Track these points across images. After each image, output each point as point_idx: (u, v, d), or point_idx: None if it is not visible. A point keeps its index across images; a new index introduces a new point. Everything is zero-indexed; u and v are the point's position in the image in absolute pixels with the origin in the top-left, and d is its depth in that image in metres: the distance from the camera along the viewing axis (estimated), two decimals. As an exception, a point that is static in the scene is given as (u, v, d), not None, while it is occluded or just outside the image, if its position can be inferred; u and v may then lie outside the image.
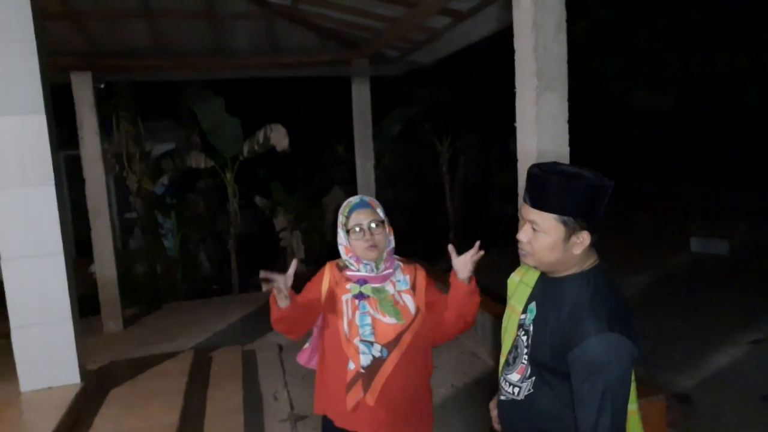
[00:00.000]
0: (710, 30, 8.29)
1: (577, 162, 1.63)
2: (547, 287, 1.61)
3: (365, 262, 1.98)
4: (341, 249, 2.03)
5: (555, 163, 1.52)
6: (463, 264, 1.92)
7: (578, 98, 3.27)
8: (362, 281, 1.99)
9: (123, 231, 9.09)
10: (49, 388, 3.67)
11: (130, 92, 7.92)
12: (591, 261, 1.55)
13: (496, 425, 1.82)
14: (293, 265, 1.91)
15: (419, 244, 8.61)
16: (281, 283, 1.82)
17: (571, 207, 1.46)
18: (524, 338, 1.61)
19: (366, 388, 1.91)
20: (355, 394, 1.92)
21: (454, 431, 3.62)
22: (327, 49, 6.40)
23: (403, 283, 2.02)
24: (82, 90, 5.73)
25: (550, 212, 1.48)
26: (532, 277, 1.68)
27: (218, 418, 3.76)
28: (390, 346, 1.93)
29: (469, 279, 1.94)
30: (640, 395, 1.64)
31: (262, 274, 1.82)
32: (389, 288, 2.00)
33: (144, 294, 7.44)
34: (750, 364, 4.56)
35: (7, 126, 3.54)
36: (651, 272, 7.31)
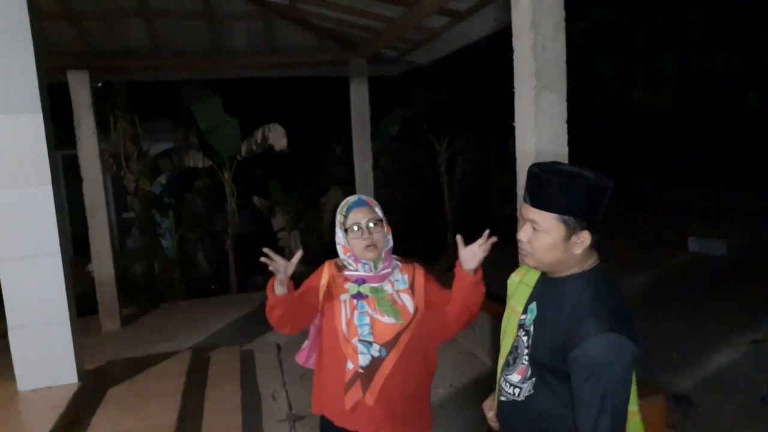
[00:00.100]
0: (709, 30, 8.30)
1: (576, 162, 1.63)
2: (547, 287, 1.60)
3: (364, 261, 1.98)
4: (339, 248, 2.03)
5: (555, 163, 1.52)
6: (471, 255, 1.93)
7: (577, 98, 3.27)
8: (360, 281, 1.99)
9: (121, 230, 9.07)
10: (47, 387, 3.67)
11: (127, 92, 7.91)
12: (591, 261, 1.54)
13: (493, 424, 1.82)
14: (298, 254, 1.91)
15: (418, 244, 8.62)
16: (281, 265, 1.82)
17: (572, 206, 1.46)
18: (525, 339, 1.60)
19: (365, 388, 1.91)
20: (354, 394, 1.91)
21: (452, 430, 3.62)
22: (325, 49, 6.39)
23: (401, 283, 2.02)
24: (80, 89, 5.72)
25: (551, 212, 1.47)
26: (533, 277, 1.67)
27: (216, 418, 3.75)
28: (389, 345, 1.92)
29: (475, 270, 1.95)
30: (640, 396, 1.64)
31: (265, 250, 1.82)
32: (388, 288, 1.99)
33: (142, 293, 7.43)
34: (749, 365, 4.56)
35: (4, 125, 3.54)
36: (650, 272, 7.32)
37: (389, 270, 2.02)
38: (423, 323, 1.99)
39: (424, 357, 2.04)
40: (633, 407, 1.56)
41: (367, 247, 1.94)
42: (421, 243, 8.78)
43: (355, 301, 1.96)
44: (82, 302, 4.90)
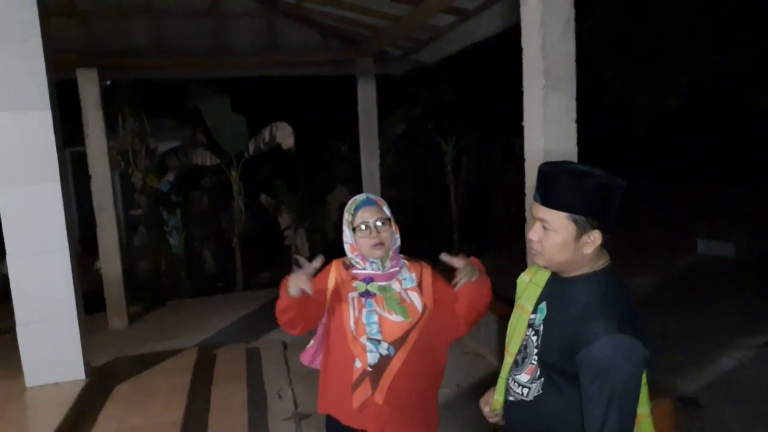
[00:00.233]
0: (715, 30, 8.25)
1: (584, 162, 1.62)
2: (557, 287, 1.59)
3: (371, 260, 1.97)
4: (347, 247, 2.02)
5: (567, 162, 1.51)
6: (461, 278, 1.92)
7: (585, 98, 3.26)
8: (368, 279, 1.98)
9: (128, 228, 9.11)
10: (54, 383, 3.68)
11: (135, 89, 7.94)
12: (602, 261, 1.53)
13: (490, 419, 1.81)
14: (319, 259, 1.91)
15: (423, 243, 8.60)
16: (309, 268, 1.84)
17: (583, 205, 1.45)
18: (534, 338, 1.60)
19: (374, 387, 1.90)
20: (362, 393, 1.91)
21: (458, 430, 3.61)
22: (330, 47, 6.40)
23: (409, 281, 2.01)
24: (88, 87, 5.75)
25: (561, 210, 1.46)
26: (543, 277, 1.66)
27: (222, 416, 3.76)
28: (397, 344, 1.92)
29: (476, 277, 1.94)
30: (647, 398, 1.63)
31: (296, 257, 1.87)
32: (395, 286, 1.99)
33: (148, 291, 7.45)
34: (756, 368, 4.52)
35: (12, 122, 3.55)
36: (656, 274, 7.28)
37: (397, 268, 2.02)
38: (431, 322, 1.99)
39: (432, 356, 2.03)
40: (644, 409, 1.55)
41: (374, 245, 1.94)
42: (425, 242, 8.76)
43: (363, 299, 1.95)
44: (90, 299, 4.93)
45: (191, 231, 8.38)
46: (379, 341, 1.91)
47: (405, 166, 10.08)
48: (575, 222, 1.46)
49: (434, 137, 9.55)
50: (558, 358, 1.50)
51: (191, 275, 8.05)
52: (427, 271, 2.07)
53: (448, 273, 2.03)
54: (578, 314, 1.47)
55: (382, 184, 6.77)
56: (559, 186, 1.46)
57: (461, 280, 1.92)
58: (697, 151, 13.12)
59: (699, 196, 11.87)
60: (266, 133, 7.86)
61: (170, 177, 8.26)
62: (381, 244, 1.94)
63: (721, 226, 8.65)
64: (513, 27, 4.17)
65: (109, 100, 7.08)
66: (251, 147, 7.83)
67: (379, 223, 1.95)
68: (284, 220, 8.63)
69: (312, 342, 2.17)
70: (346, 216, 2.01)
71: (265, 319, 5.91)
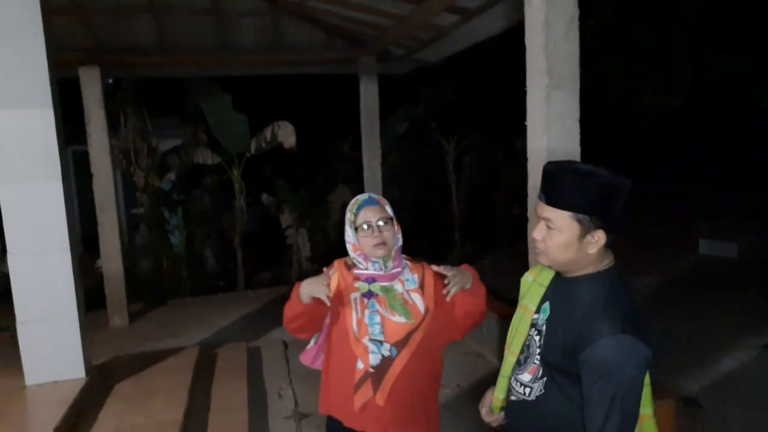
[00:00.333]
0: (718, 31, 8.23)
1: (586, 162, 1.61)
2: (561, 287, 1.58)
3: (373, 260, 1.96)
4: (349, 247, 2.01)
5: (571, 161, 1.51)
6: (451, 286, 1.90)
7: (587, 98, 3.24)
8: (371, 279, 1.97)
9: (130, 226, 9.11)
10: (54, 382, 3.68)
11: (137, 88, 7.93)
12: (606, 261, 1.53)
13: (487, 419, 1.80)
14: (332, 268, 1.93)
15: (424, 243, 8.59)
16: (325, 278, 1.88)
17: (587, 205, 1.44)
18: (537, 338, 1.59)
19: (375, 388, 1.89)
20: (364, 394, 1.89)
21: (459, 430, 3.60)
22: (333, 46, 6.39)
23: (411, 282, 2.00)
24: (91, 85, 5.75)
25: (565, 210, 1.46)
26: (547, 276, 1.65)
27: (222, 415, 3.75)
28: (399, 345, 1.91)
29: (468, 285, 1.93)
30: (649, 399, 1.61)
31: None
32: (398, 287, 1.98)
33: (149, 290, 7.45)
34: (759, 369, 4.51)
35: (14, 120, 3.55)
36: (659, 274, 7.26)
37: (399, 269, 2.01)
38: (433, 323, 1.97)
39: (433, 357, 2.02)
40: (647, 410, 1.54)
41: (377, 245, 1.92)
42: (427, 242, 8.75)
43: (365, 300, 1.94)
44: (91, 297, 4.93)
45: (193, 230, 8.38)
46: (381, 342, 1.89)
47: (407, 166, 10.07)
48: (579, 221, 1.45)
49: (436, 136, 9.54)
50: (561, 358, 1.49)
51: (192, 274, 8.05)
52: (429, 273, 2.05)
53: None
54: (582, 314, 1.47)
55: (384, 183, 6.77)
56: (563, 185, 1.46)
57: (452, 288, 1.89)
58: (701, 151, 13.08)
59: (702, 196, 11.84)
60: (268, 132, 7.86)
61: (172, 176, 8.26)
62: (383, 243, 1.93)
63: (724, 226, 8.64)
64: (516, 26, 4.17)
65: (111, 99, 7.08)
66: (253, 146, 7.82)
67: (381, 223, 1.94)
68: (285, 219, 8.62)
69: (312, 343, 2.15)
70: (348, 215, 2.00)
71: (266, 318, 5.92)
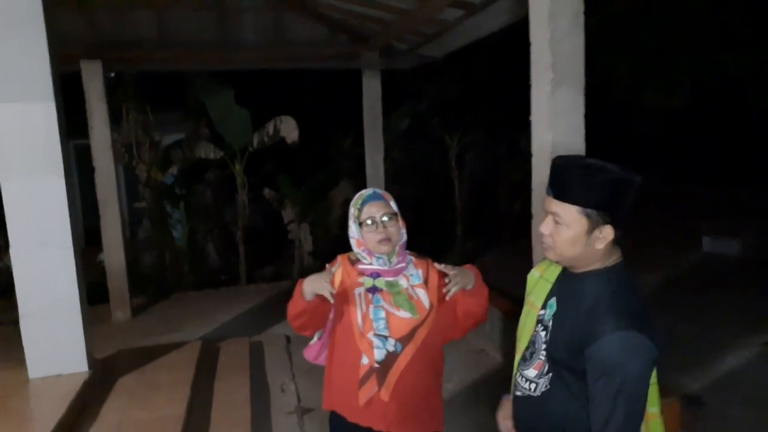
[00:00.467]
0: (718, 31, 8.20)
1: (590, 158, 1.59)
2: (567, 283, 1.58)
3: (377, 255, 1.95)
4: (353, 242, 2.00)
5: (580, 156, 1.50)
6: (451, 286, 1.88)
7: (591, 95, 3.22)
8: (375, 274, 1.96)
9: (132, 221, 9.11)
10: (57, 375, 3.68)
11: (139, 82, 7.92)
12: (614, 258, 1.52)
13: (503, 424, 1.79)
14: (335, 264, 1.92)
15: (426, 239, 8.58)
16: (328, 274, 1.86)
17: (595, 200, 1.43)
18: (543, 334, 1.58)
19: (380, 383, 1.88)
20: (369, 389, 1.89)
21: (462, 427, 3.60)
22: (336, 41, 6.36)
23: (416, 278, 1.99)
24: (93, 79, 5.73)
25: (574, 204, 1.45)
26: (554, 272, 1.65)
27: (225, 410, 3.76)
28: (404, 340, 1.90)
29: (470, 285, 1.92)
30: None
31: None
32: (402, 282, 1.97)
33: (152, 284, 7.46)
34: (761, 367, 4.50)
35: (16, 113, 3.54)
36: (661, 271, 7.24)
37: (403, 264, 2.00)
38: (438, 319, 1.97)
39: (437, 353, 2.02)
40: (654, 409, 1.53)
41: (381, 240, 1.91)
42: (429, 238, 8.74)
43: (370, 295, 1.93)
44: (93, 291, 4.93)
45: (195, 224, 8.38)
46: (386, 337, 1.89)
47: (409, 162, 10.05)
48: (587, 216, 1.44)
49: (439, 132, 9.51)
50: (567, 354, 1.49)
51: (195, 268, 8.06)
52: (434, 269, 2.04)
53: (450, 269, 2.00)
54: (588, 310, 1.46)
55: (386, 179, 6.76)
56: (572, 180, 1.45)
57: (452, 288, 1.87)
58: (701, 150, 13.05)
59: (704, 194, 11.81)
60: (270, 127, 7.84)
61: (174, 170, 8.25)
62: (388, 239, 1.92)
63: (726, 224, 8.61)
64: (520, 21, 4.14)
65: (113, 93, 7.06)
66: (255, 140, 7.81)
67: (385, 218, 1.93)
68: (288, 214, 8.62)
69: (316, 338, 2.15)
70: (353, 211, 1.99)
71: (269, 313, 5.92)
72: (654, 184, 12.61)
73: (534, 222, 2.85)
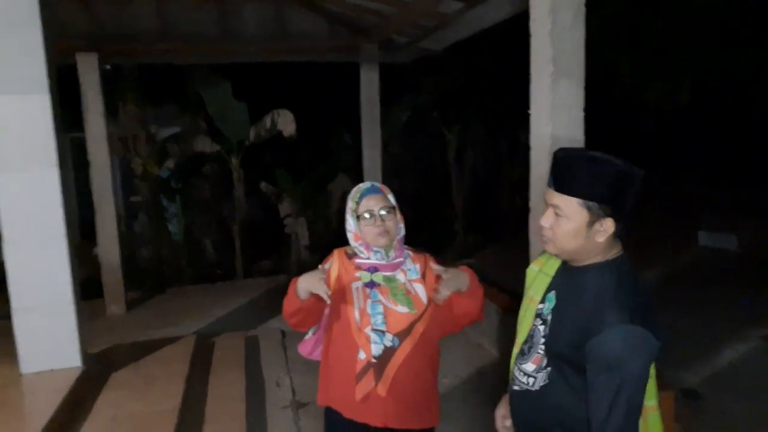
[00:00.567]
0: (718, 30, 8.19)
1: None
2: (568, 277, 1.56)
3: (375, 249, 1.93)
4: (350, 236, 1.98)
5: (582, 148, 1.48)
6: (443, 289, 1.85)
7: (593, 92, 3.19)
8: (373, 269, 1.94)
9: (128, 215, 9.07)
10: (50, 370, 3.65)
11: (135, 74, 7.86)
12: (615, 251, 1.50)
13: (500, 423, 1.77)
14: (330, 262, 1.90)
15: (425, 234, 8.56)
16: (322, 272, 1.83)
17: (596, 192, 1.41)
18: (541, 328, 1.56)
19: (378, 378, 1.86)
20: (366, 384, 1.87)
21: (459, 421, 3.59)
22: (336, 34, 6.31)
23: (413, 272, 1.97)
24: (89, 72, 5.68)
25: (575, 196, 1.43)
26: (553, 266, 1.63)
27: (220, 404, 3.74)
28: (402, 335, 1.88)
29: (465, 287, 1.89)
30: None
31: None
32: (400, 277, 1.95)
33: (148, 278, 7.43)
34: (759, 360, 4.52)
35: (11, 105, 3.50)
36: (659, 266, 7.24)
37: (401, 259, 1.98)
38: (436, 314, 1.95)
39: (434, 348, 2.00)
40: (652, 402, 1.52)
41: (379, 234, 1.89)
42: (428, 234, 8.72)
43: (367, 289, 1.91)
44: (88, 286, 4.90)
45: (191, 218, 8.34)
46: (383, 332, 1.87)
47: (408, 156, 10.01)
48: (588, 209, 1.42)
49: (438, 126, 9.48)
50: (566, 348, 1.47)
51: (191, 263, 8.03)
52: (432, 263, 2.02)
53: (449, 264, 1.98)
54: (589, 303, 1.44)
55: (385, 173, 6.72)
56: (573, 172, 1.43)
57: (443, 292, 1.84)
58: (701, 149, 13.05)
59: (702, 195, 11.81)
60: (267, 120, 7.80)
61: (170, 164, 8.21)
62: (386, 232, 1.90)
63: (724, 220, 8.61)
64: (520, 14, 4.10)
65: (109, 85, 7.01)
66: (252, 134, 7.78)
67: (383, 212, 1.91)
68: (285, 208, 8.60)
69: (310, 333, 2.12)
70: (350, 204, 1.96)
71: (265, 307, 5.89)
72: (654, 183, 12.61)
73: (532, 216, 2.83)
